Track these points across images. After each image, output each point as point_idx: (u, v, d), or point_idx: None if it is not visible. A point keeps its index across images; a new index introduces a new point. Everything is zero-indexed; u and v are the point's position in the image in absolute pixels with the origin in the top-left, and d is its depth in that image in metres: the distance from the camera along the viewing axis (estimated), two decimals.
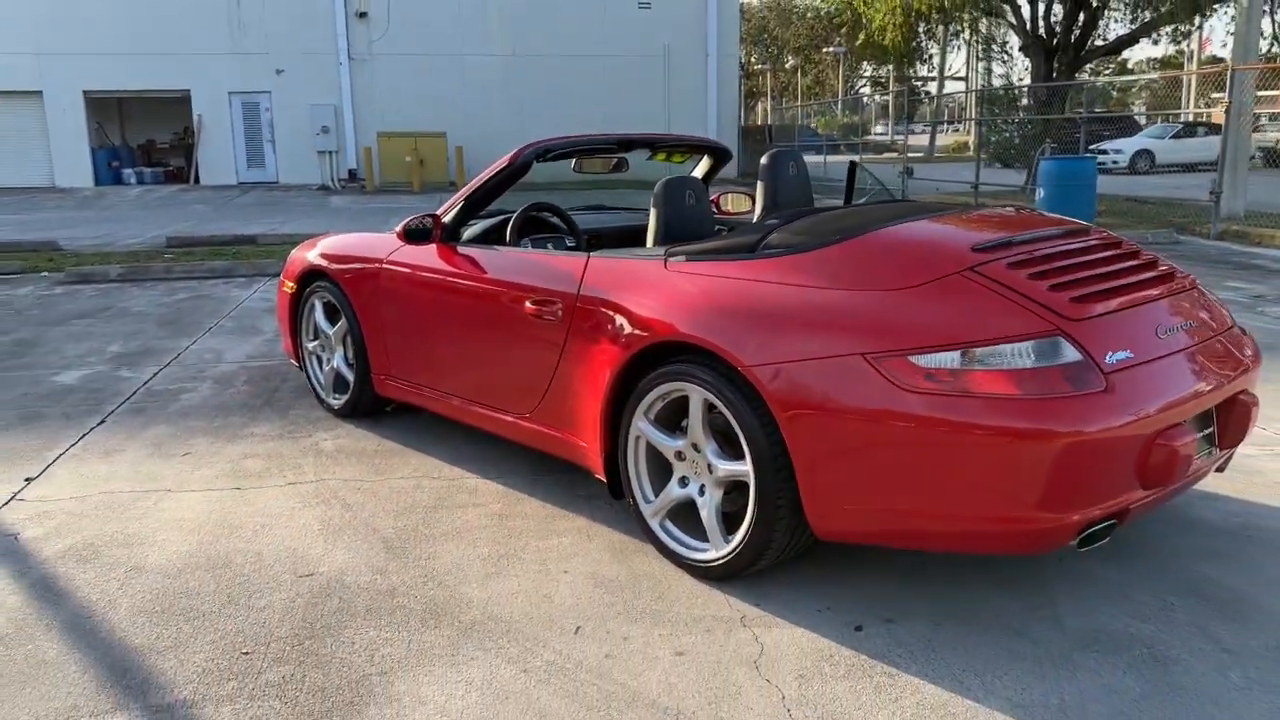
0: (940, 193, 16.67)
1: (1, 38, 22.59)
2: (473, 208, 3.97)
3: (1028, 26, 15.55)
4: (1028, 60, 16.14)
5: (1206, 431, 2.78)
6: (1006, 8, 15.47)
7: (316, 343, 4.70)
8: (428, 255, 4.00)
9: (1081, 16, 15.42)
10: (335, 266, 4.44)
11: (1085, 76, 16.13)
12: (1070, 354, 2.48)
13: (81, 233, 13.10)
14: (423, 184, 22.22)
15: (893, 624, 2.67)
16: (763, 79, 47.16)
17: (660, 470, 3.09)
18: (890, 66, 19.62)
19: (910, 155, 21.66)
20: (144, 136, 26.39)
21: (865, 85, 41.15)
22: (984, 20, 17.54)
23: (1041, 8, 15.46)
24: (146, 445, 4.22)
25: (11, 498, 3.62)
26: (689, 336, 2.85)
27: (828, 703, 2.31)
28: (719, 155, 4.59)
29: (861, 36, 17.91)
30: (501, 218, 4.24)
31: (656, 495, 3.08)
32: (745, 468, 2.76)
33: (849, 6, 15.77)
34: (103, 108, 24.72)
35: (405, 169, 22.29)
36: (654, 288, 3.05)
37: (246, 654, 2.54)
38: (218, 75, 23.57)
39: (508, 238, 3.98)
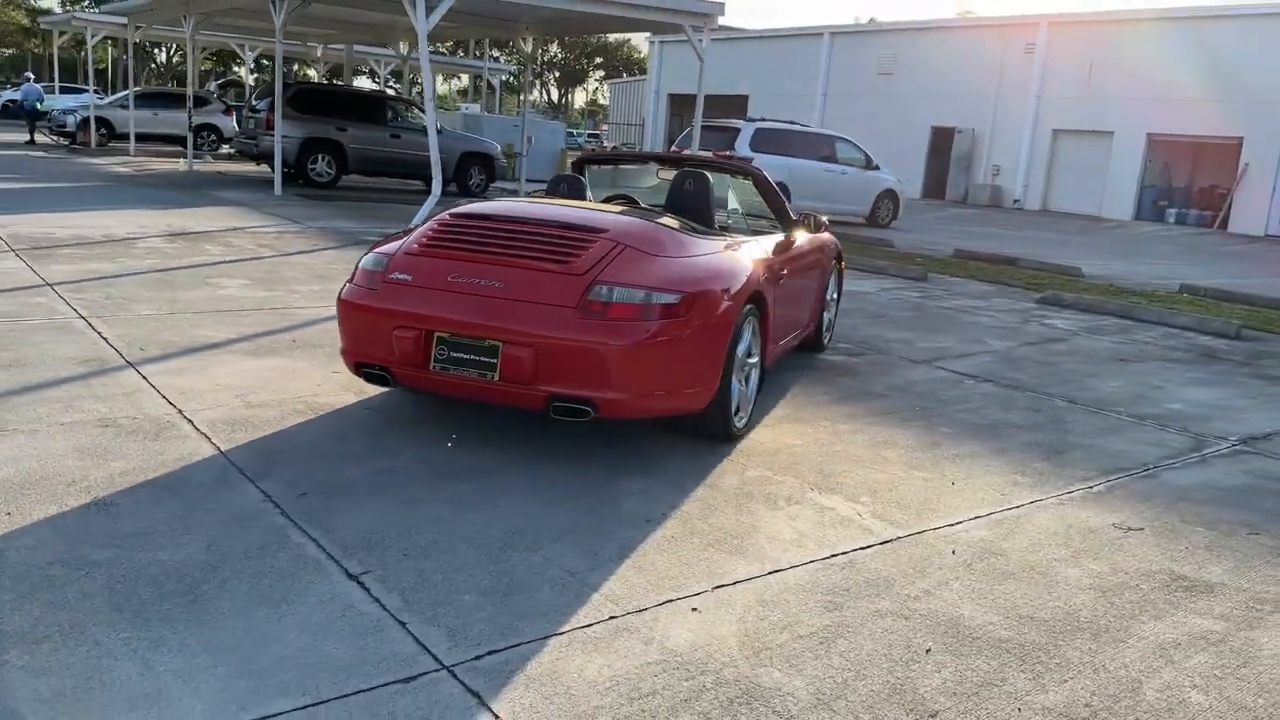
0: None
1: (1096, 86, 26.08)
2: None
3: None
4: None
5: (490, 360, 3.88)
6: None
7: None
8: None
9: None
10: None
11: None
12: (379, 265, 4.16)
13: (988, 245, 16.12)
14: None
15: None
16: None
17: None
18: None
19: None
20: (1206, 181, 26.94)
21: None
22: None
23: None
24: None
25: None
26: None
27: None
28: (750, 174, 5.63)
29: None
30: None
31: None
32: None
33: None
34: (1169, 150, 26.27)
35: None
36: None
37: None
38: (1274, 124, 22.88)
39: None
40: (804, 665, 2.70)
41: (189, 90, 20.30)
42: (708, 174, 5.15)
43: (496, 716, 2.38)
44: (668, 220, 4.61)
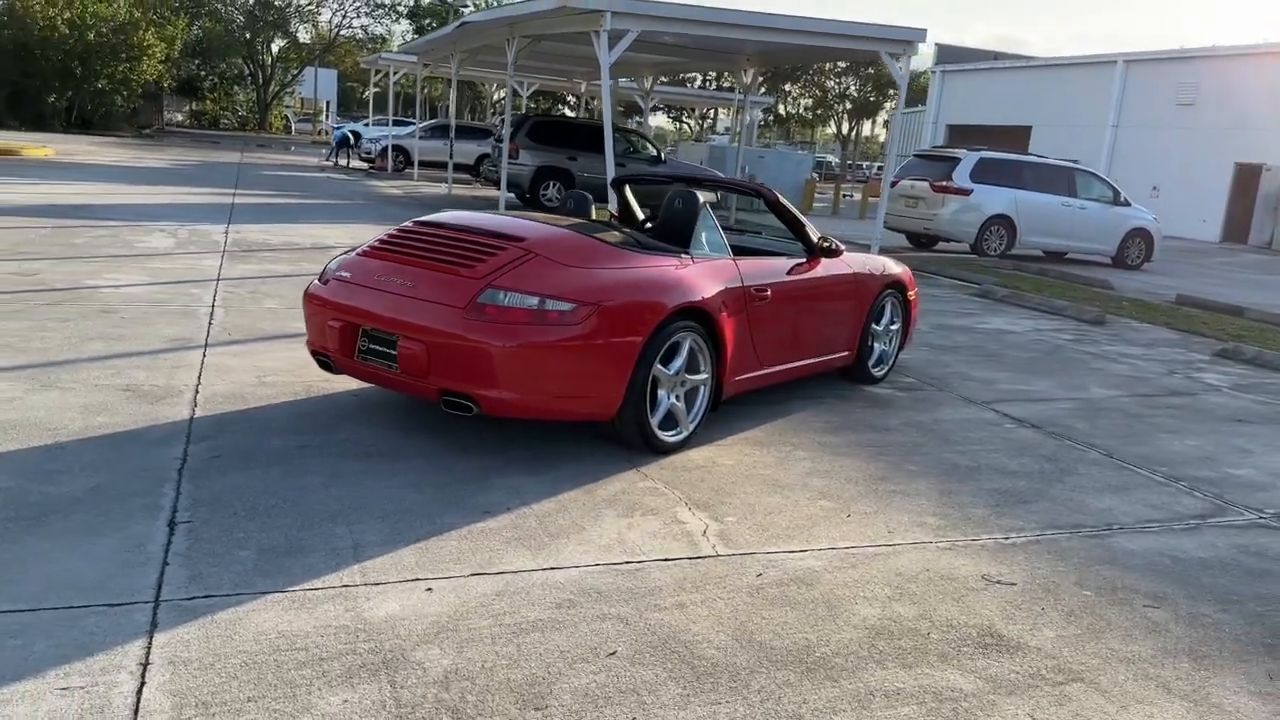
0: None
1: None
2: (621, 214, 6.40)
3: None
4: None
5: (392, 352, 4.23)
6: None
7: None
8: None
9: None
10: None
11: None
12: (333, 269, 4.64)
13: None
14: None
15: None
16: None
17: None
18: None
19: None
20: None
21: None
22: None
23: None
24: None
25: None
26: None
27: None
28: (760, 194, 5.56)
29: None
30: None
31: None
32: None
33: None
34: None
35: None
36: None
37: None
38: None
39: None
40: (470, 649, 2.80)
41: (451, 121, 22.49)
42: (698, 194, 5.21)
43: (150, 640, 2.70)
44: (608, 234, 4.74)
